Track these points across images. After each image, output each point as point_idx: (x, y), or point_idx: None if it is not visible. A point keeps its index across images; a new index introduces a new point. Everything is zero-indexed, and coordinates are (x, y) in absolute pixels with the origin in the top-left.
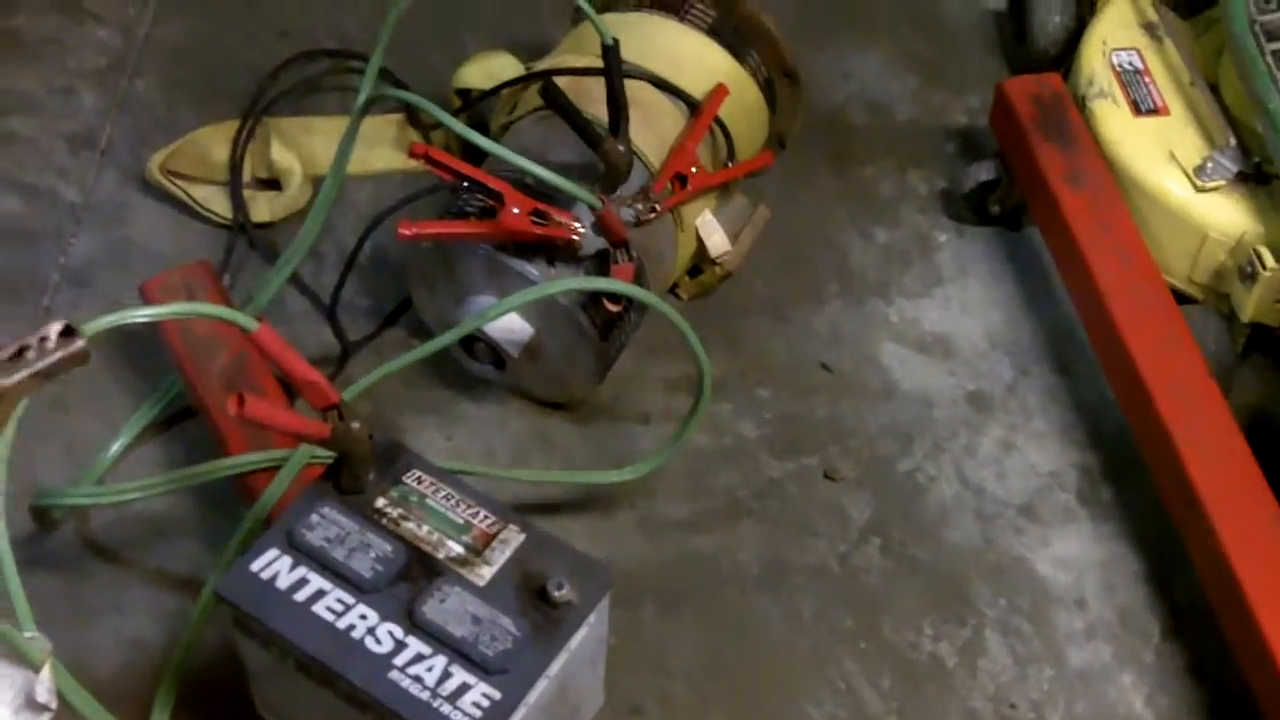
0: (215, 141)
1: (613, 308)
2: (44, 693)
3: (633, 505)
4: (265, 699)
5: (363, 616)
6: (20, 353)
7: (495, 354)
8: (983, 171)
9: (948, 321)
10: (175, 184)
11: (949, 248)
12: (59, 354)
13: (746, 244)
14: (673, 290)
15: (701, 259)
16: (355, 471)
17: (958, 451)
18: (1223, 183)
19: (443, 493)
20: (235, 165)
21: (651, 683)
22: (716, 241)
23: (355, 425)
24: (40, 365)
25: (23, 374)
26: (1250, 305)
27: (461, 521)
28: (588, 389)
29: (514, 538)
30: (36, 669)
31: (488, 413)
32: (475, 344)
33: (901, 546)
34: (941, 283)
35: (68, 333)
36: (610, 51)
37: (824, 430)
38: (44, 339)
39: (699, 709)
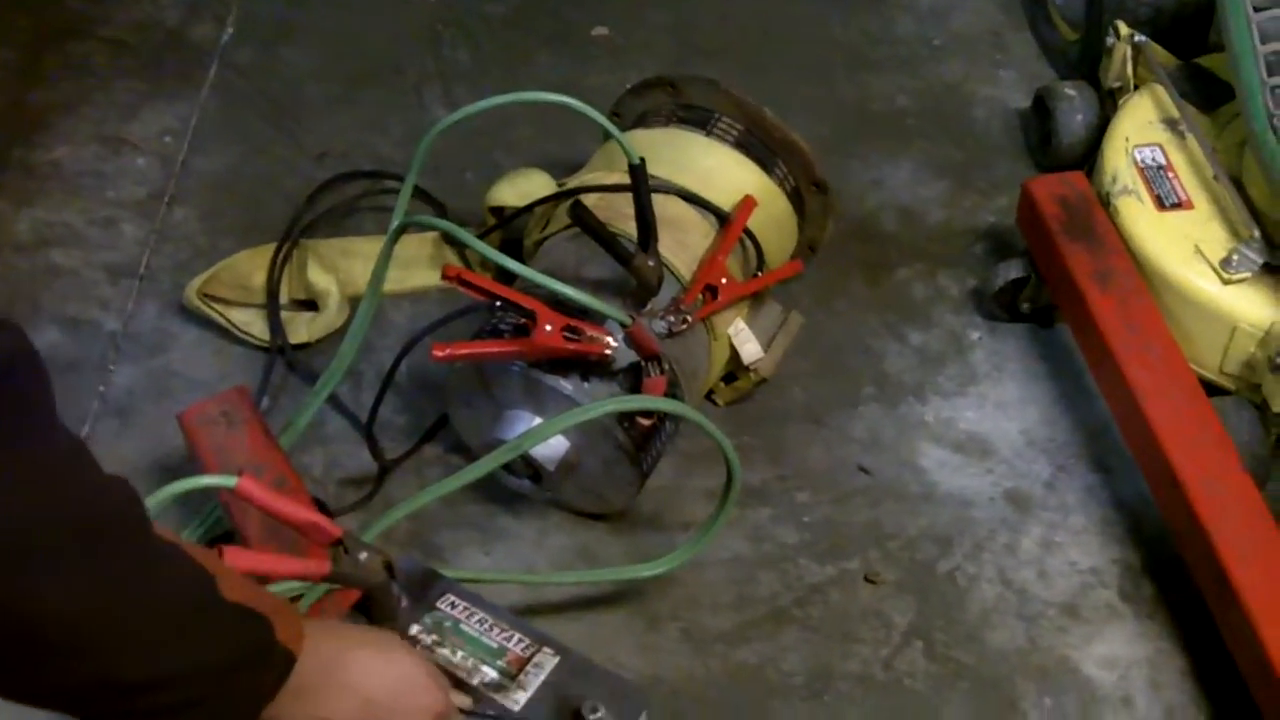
0: (253, 266)
1: (646, 421)
2: None
3: (676, 616)
4: None
5: None
6: None
7: (532, 469)
8: (1011, 270)
9: (984, 420)
10: (213, 308)
11: (982, 346)
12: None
13: (780, 350)
14: (709, 396)
15: (736, 366)
16: (380, 601)
17: (998, 551)
18: (1249, 274)
19: (476, 617)
20: (272, 288)
21: None
22: (749, 350)
23: (363, 557)
24: None
25: None
26: None
27: (495, 646)
28: (626, 500)
29: (548, 661)
30: None
31: (527, 527)
32: (512, 460)
33: (945, 650)
34: (976, 381)
35: None
36: (637, 170)
37: (864, 534)
38: None
39: None
